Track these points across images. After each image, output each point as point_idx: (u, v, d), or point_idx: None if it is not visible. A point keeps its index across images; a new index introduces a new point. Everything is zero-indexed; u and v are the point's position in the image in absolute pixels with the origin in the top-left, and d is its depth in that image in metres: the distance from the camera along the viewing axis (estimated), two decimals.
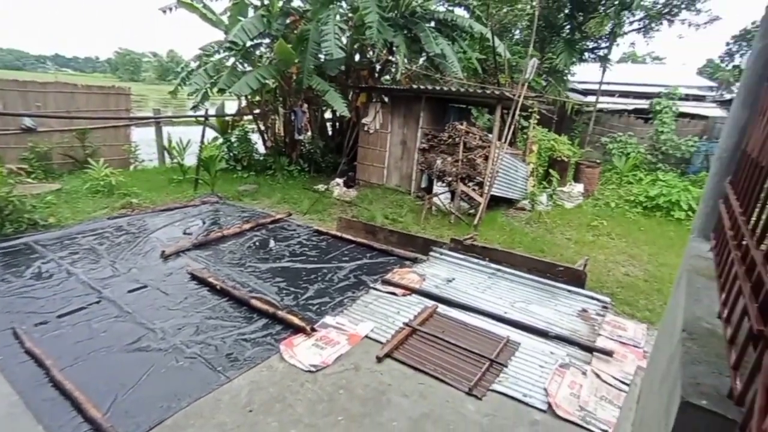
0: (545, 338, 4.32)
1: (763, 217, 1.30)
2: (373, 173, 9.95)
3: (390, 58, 10.35)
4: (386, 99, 9.68)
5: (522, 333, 4.38)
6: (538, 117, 9.81)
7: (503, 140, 8.16)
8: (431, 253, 6.17)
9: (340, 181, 9.41)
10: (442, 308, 4.73)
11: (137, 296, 4.67)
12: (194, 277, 5.12)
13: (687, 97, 13.93)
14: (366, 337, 4.11)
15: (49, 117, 9.22)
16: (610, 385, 3.67)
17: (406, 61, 9.60)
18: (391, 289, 5.11)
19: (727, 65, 18.29)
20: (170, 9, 10.13)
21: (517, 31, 13.89)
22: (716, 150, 2.22)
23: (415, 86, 9.03)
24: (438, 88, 8.57)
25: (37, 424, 2.90)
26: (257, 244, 6.43)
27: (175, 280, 5.12)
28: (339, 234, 6.82)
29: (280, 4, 9.89)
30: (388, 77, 11.58)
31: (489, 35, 10.12)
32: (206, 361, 3.64)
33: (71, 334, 3.90)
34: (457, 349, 3.98)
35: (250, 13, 10.10)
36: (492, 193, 7.96)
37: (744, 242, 1.40)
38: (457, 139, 8.43)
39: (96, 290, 4.70)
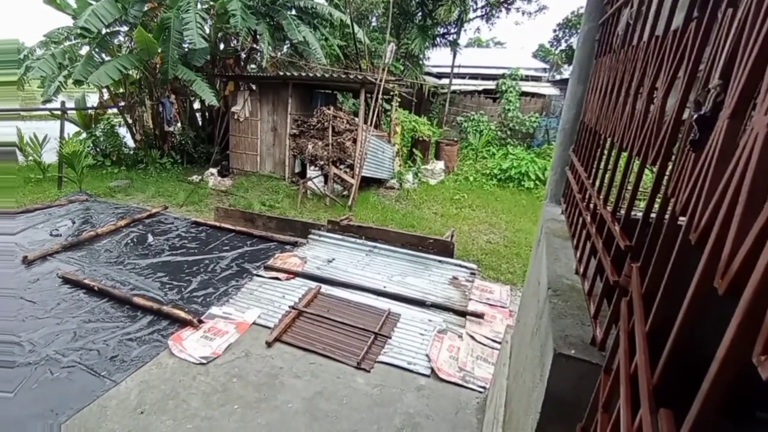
0: (423, 307, 4.64)
1: (606, 178, 1.41)
2: (247, 161, 10.47)
3: (255, 46, 10.78)
4: (254, 87, 10.15)
5: (401, 305, 4.68)
6: (399, 100, 11.05)
7: (369, 123, 8.99)
8: (310, 236, 6.39)
9: (214, 171, 9.81)
10: (325, 288, 4.95)
11: None
12: (67, 281, 4.95)
13: (527, 78, 16.15)
14: (254, 323, 4.22)
15: None
16: (484, 345, 4.03)
17: (270, 48, 10.11)
18: (274, 274, 5.26)
19: (555, 49, 21.55)
20: None
21: (374, 18, 15.00)
22: (559, 123, 2.42)
23: (281, 73, 9.62)
24: (304, 74, 9.22)
25: None
26: (135, 240, 6.40)
27: (44, 285, 4.92)
28: (218, 224, 6.98)
29: None
30: (254, 65, 11.92)
31: (348, 21, 10.98)
32: (87, 368, 3.53)
33: None
34: (343, 326, 4.19)
35: None
36: (362, 174, 8.76)
37: (592, 203, 1.49)
38: (326, 124, 9.13)
39: None
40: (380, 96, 9.15)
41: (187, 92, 10.58)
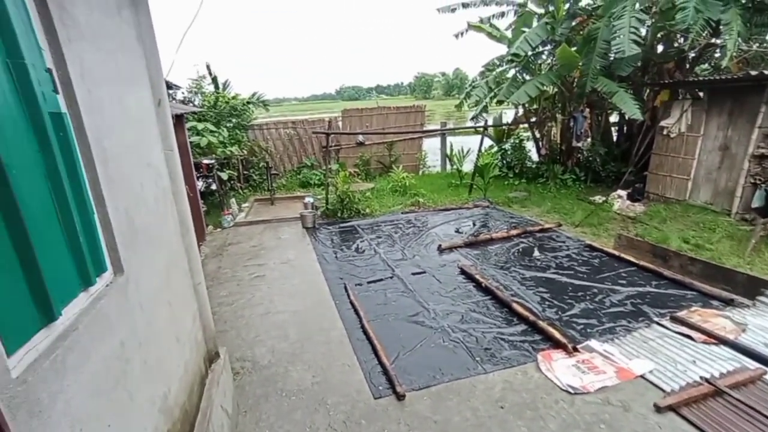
0: None
1: None
2: (671, 186, 8.18)
3: (713, 41, 8.23)
4: (701, 94, 7.76)
5: None
6: None
7: None
8: (760, 298, 4.60)
9: (622, 192, 8.22)
10: None
11: (418, 279, 5.58)
12: (463, 272, 5.64)
13: None
14: (641, 377, 3.54)
15: (371, 134, 12.17)
16: None
17: (740, 41, 7.38)
18: (684, 330, 4.16)
19: None
20: (461, 33, 11.46)
21: None
22: None
23: (754, 73, 6.82)
24: None
25: (353, 353, 4.00)
26: (522, 250, 6.45)
27: (448, 271, 5.79)
28: (616, 253, 5.98)
29: (566, 6, 9.49)
30: (706, 67, 9.23)
31: None
32: (467, 349, 3.97)
33: (374, 297, 5.09)
34: None
35: (534, 23, 10.16)
36: None
37: None
38: None
39: (391, 268, 5.93)
40: None
41: (605, 105, 9.50)
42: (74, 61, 1.67)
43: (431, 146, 14.31)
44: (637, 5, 8.21)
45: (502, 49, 11.36)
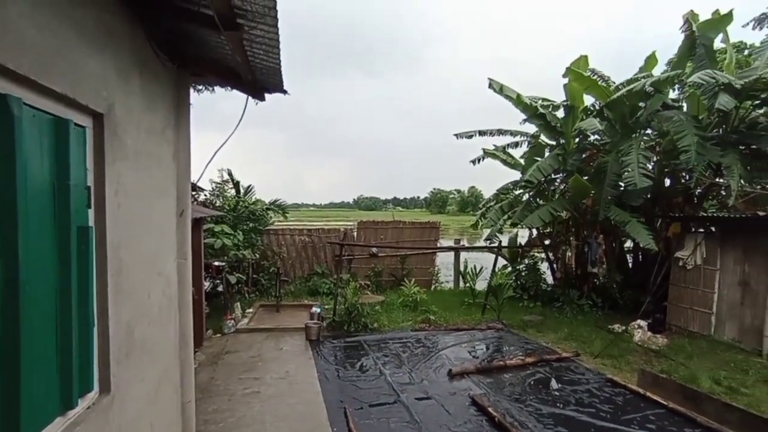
0: None
1: None
2: (693, 319, 7.79)
3: (717, 180, 8.61)
4: (712, 228, 7.85)
5: None
6: None
7: None
8: None
9: (642, 323, 7.82)
10: None
11: (425, 406, 5.11)
12: (475, 403, 5.17)
13: None
14: None
15: (386, 246, 12.36)
16: None
17: (742, 183, 7.71)
18: None
19: None
20: (478, 160, 12.36)
21: None
22: None
23: (762, 213, 6.97)
24: None
25: None
26: (539, 381, 5.98)
27: (458, 401, 5.33)
28: (641, 391, 5.48)
29: (576, 140, 10.28)
30: (714, 203, 9.51)
31: None
32: None
33: (375, 427, 4.61)
34: None
35: (546, 153, 10.94)
36: None
37: None
38: None
39: (396, 392, 5.48)
40: None
41: (618, 232, 9.61)
42: (113, 178, 1.81)
43: (445, 261, 14.35)
44: (642, 144, 8.87)
45: (516, 174, 12.05)
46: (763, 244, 6.84)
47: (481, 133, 11.49)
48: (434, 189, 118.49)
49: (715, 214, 8.19)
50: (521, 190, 11.61)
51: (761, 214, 6.81)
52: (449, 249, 13.91)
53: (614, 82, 10.29)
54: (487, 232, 11.40)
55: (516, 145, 12.08)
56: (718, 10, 8.45)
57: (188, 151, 2.99)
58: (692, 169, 7.68)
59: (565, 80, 9.78)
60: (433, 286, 12.81)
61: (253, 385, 5.68)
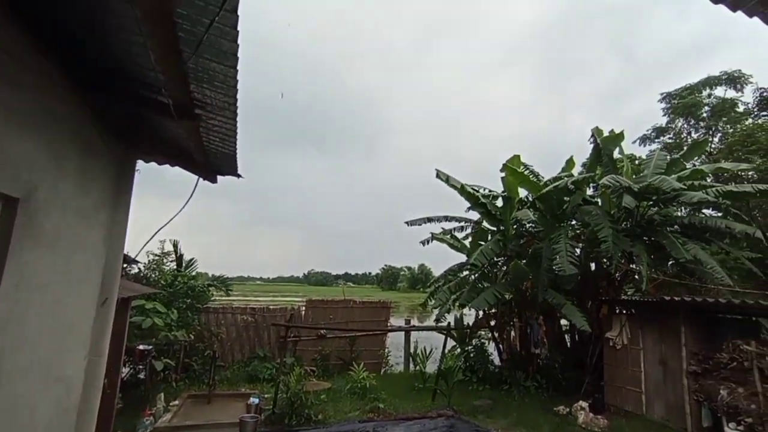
0: None
1: None
2: (628, 398, 8.32)
3: (631, 267, 9.78)
4: (633, 311, 8.76)
5: None
6: None
7: None
8: None
9: (584, 404, 8.20)
10: None
11: None
12: None
13: None
14: None
15: (334, 329, 12.01)
16: None
17: (650, 270, 8.86)
18: None
19: None
20: (427, 242, 13.08)
21: None
22: None
23: (667, 297, 7.98)
24: (699, 299, 7.25)
25: None
26: None
27: None
28: None
29: (515, 228, 11.34)
30: (632, 287, 10.67)
31: (760, 235, 8.53)
32: None
33: None
34: None
35: (489, 238, 11.88)
36: None
37: None
38: (746, 364, 6.59)
39: None
40: None
41: (556, 314, 10.33)
42: (16, 270, 1.59)
43: (395, 341, 14.29)
44: (570, 233, 10.01)
45: (462, 256, 12.80)
46: (673, 324, 7.73)
47: (430, 219, 12.36)
48: (385, 265, 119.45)
49: (633, 298, 9.20)
50: (467, 272, 12.29)
51: (667, 298, 7.79)
52: (399, 329, 13.96)
53: (543, 177, 11.76)
54: (436, 312, 11.71)
55: (461, 229, 13.03)
56: (613, 129, 10.56)
57: (123, 233, 2.68)
58: (611, 256, 8.76)
59: (503, 174, 11.07)
60: (383, 370, 12.58)
61: None
